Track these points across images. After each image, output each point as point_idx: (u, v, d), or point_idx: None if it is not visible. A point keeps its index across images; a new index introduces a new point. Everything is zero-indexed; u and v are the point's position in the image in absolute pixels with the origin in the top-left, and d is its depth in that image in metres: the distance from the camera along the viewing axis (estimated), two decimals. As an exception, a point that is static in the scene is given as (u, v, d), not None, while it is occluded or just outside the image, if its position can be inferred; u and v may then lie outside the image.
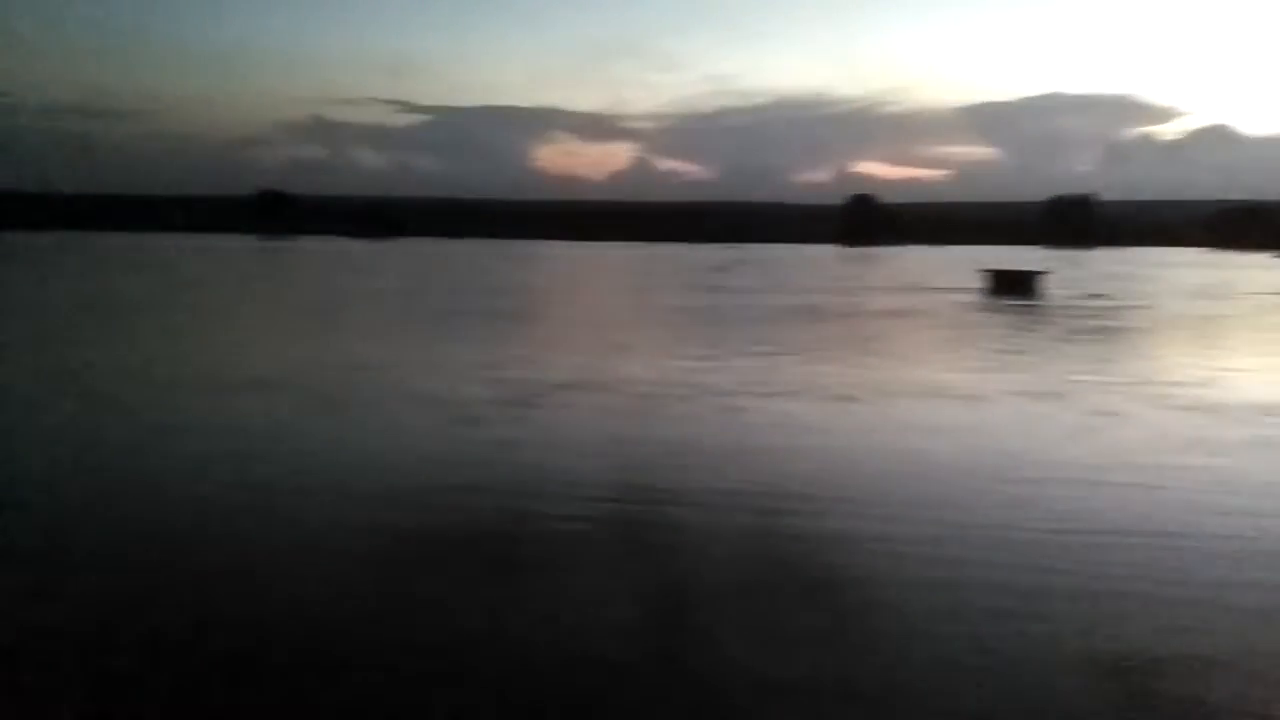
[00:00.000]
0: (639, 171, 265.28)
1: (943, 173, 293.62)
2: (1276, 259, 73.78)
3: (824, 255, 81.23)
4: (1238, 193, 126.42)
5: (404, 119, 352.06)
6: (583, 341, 23.69)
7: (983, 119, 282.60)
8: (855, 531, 9.09)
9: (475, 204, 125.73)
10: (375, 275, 50.46)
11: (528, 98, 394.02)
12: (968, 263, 56.89)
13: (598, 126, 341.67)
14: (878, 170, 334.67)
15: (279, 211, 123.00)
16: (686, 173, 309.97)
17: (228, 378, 17.24)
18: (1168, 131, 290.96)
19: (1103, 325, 28.35)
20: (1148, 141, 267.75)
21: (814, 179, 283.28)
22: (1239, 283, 48.84)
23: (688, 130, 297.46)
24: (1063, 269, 55.28)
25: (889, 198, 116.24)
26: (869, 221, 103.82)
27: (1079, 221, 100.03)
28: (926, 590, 7.69)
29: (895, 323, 29.25)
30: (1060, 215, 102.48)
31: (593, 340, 23.79)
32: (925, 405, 15.40)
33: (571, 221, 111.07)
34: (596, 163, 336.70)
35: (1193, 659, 6.55)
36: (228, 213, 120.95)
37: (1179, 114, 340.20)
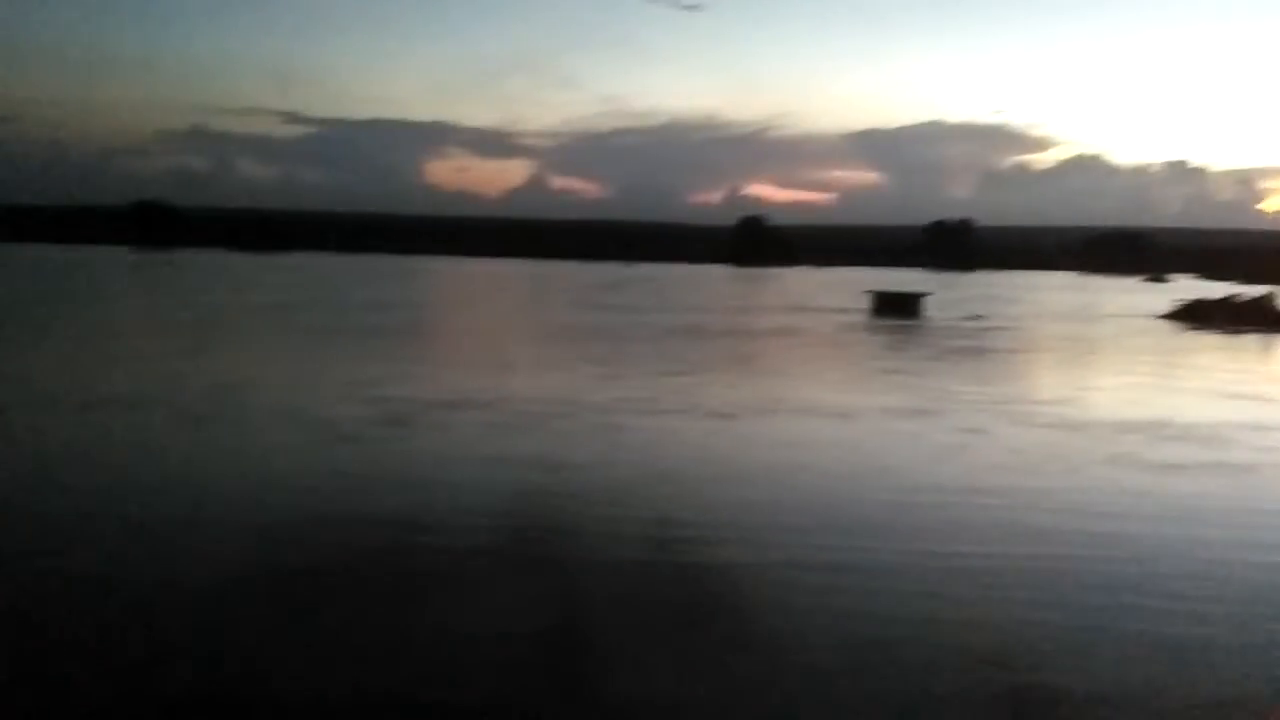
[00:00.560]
0: (534, 188, 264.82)
1: (830, 196, 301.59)
2: (1143, 283, 77.74)
3: (715, 275, 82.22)
4: (1107, 219, 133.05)
5: (291, 130, 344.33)
6: (465, 359, 23.43)
7: (868, 145, 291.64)
8: (731, 556, 9.13)
9: (365, 218, 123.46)
10: (256, 290, 48.99)
11: (420, 111, 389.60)
12: (853, 284, 58.29)
13: (492, 142, 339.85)
14: (767, 192, 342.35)
15: (157, 223, 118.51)
16: (581, 191, 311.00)
17: (87, 395, 16.45)
18: (1041, 160, 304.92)
19: (977, 345, 29.36)
20: (1023, 169, 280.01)
21: (706, 200, 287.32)
22: (1106, 305, 51.22)
23: (582, 149, 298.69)
24: (943, 291, 57.03)
25: (778, 219, 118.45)
26: (759, 242, 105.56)
27: (958, 245, 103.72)
28: (804, 616, 7.77)
29: (778, 342, 29.75)
30: (941, 239, 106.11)
31: (475, 358, 23.57)
32: (801, 423, 15.67)
33: (465, 237, 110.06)
34: (491, 179, 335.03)
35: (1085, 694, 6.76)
36: (102, 223, 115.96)
37: (1052, 143, 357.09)
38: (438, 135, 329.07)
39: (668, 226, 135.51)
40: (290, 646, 6.85)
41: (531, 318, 38.21)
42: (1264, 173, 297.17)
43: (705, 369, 22.12)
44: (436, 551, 8.93)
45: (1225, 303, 40.51)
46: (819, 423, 15.76)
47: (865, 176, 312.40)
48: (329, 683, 6.33)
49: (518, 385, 18.73)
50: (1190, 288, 57.97)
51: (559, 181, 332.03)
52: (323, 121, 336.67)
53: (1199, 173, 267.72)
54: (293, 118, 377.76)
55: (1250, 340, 32.43)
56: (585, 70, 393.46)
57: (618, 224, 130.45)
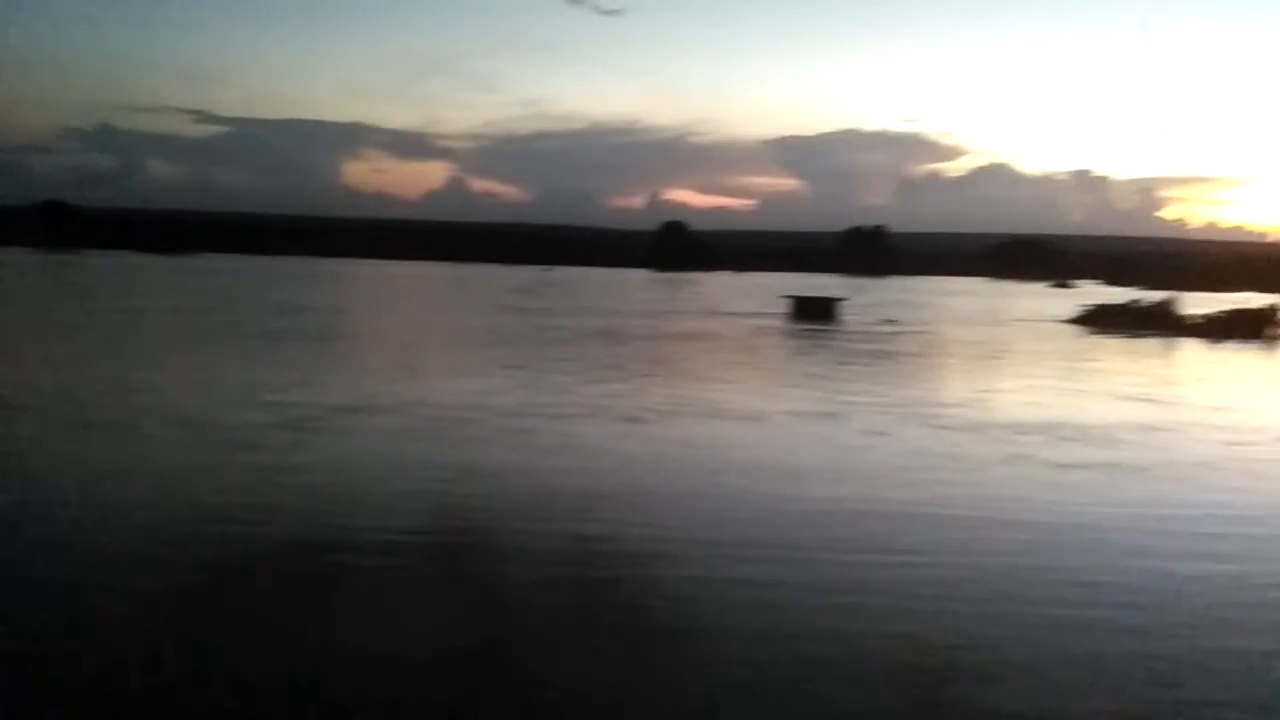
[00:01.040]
0: (453, 191, 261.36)
1: (749, 202, 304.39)
2: (1050, 288, 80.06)
3: (636, 279, 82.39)
4: (1015, 226, 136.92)
5: (201, 129, 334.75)
6: (373, 363, 23.00)
7: (786, 152, 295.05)
8: (646, 567, 9.06)
9: (279, 220, 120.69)
10: (162, 292, 47.53)
11: (336, 112, 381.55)
12: (772, 289, 58.89)
13: (411, 144, 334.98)
14: (688, 197, 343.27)
15: (62, 223, 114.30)
16: (502, 194, 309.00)
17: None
18: (953, 168, 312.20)
19: (888, 349, 29.87)
20: (935, 177, 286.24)
21: (627, 204, 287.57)
22: (1014, 310, 52.61)
23: (503, 151, 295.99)
24: (859, 296, 57.93)
25: (699, 225, 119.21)
26: (680, 247, 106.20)
27: (874, 251, 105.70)
28: (723, 628, 7.73)
29: (693, 346, 29.87)
30: (857, 245, 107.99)
31: (384, 361, 23.16)
32: (710, 426, 15.71)
33: (383, 240, 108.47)
34: (409, 181, 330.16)
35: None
36: (4, 224, 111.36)
37: (963, 152, 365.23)
38: (355, 136, 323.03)
39: (588, 230, 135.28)
40: (173, 675, 6.57)
41: (444, 321, 37.74)
42: (1163, 182, 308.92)
43: (617, 373, 22.06)
44: (337, 565, 8.66)
45: (1127, 307, 41.93)
46: (728, 426, 15.82)
47: (784, 183, 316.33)
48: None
49: (426, 390, 18.44)
50: (1094, 293, 59.78)
51: (479, 184, 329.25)
52: (235, 121, 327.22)
53: (1102, 182, 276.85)
54: (204, 116, 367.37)
55: (1151, 344, 33.59)
56: (505, 73, 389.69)
57: (538, 227, 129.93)
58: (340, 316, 38.72)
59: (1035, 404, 19.00)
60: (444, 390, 18.49)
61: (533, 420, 15.60)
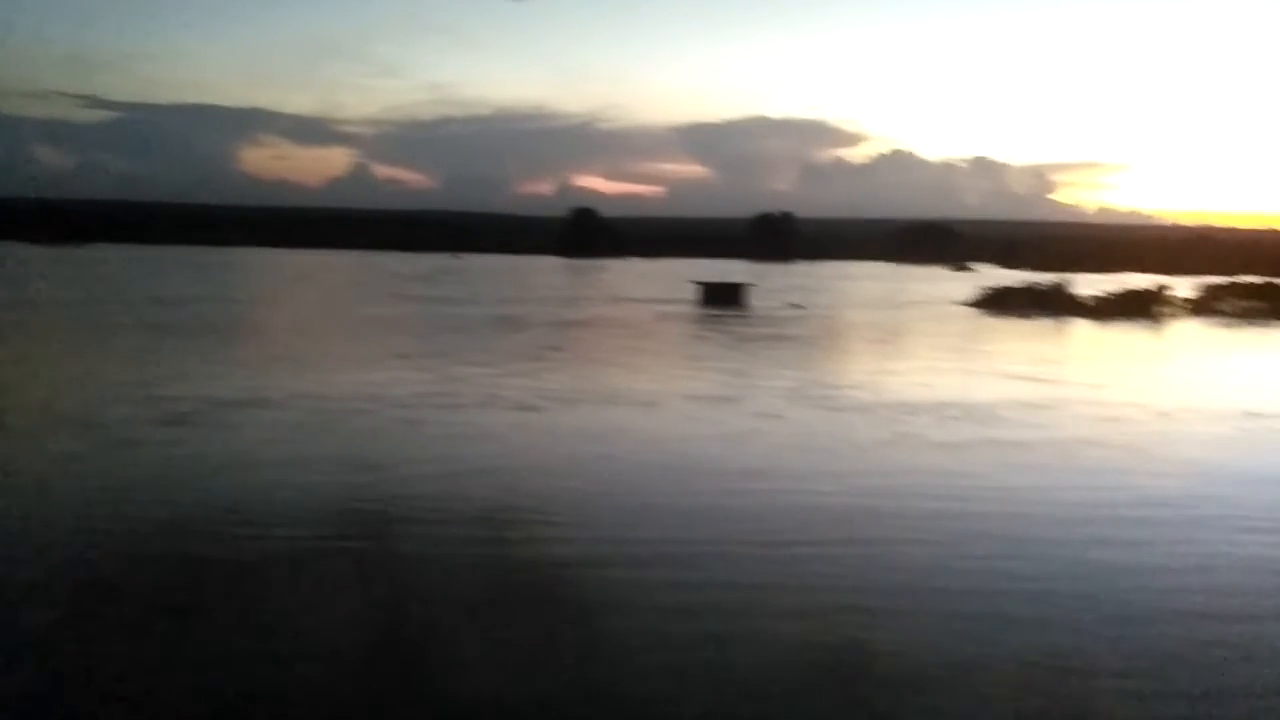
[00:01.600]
0: (356, 178, 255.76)
1: (658, 189, 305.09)
2: (950, 271, 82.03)
3: (545, 266, 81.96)
4: (917, 211, 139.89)
5: (91, 115, 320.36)
6: (263, 355, 22.30)
7: (695, 139, 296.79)
8: (543, 555, 8.95)
9: (173, 208, 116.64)
10: (48, 285, 45.51)
11: (233, 97, 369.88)
12: (681, 275, 59.09)
13: (311, 130, 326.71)
14: (597, 184, 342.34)
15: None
16: (407, 180, 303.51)
17: None
18: (856, 154, 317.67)
19: (791, 333, 30.20)
20: (839, 163, 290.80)
21: (536, 191, 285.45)
22: (915, 293, 53.77)
23: (407, 138, 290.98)
24: (766, 281, 58.50)
25: (608, 211, 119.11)
26: (590, 234, 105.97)
27: (781, 237, 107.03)
28: (626, 613, 7.65)
29: (599, 332, 29.79)
30: (765, 231, 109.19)
31: (274, 353, 22.49)
32: (606, 413, 15.66)
33: (283, 228, 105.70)
34: (310, 168, 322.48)
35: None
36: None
37: (865, 138, 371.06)
38: (253, 121, 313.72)
39: (497, 217, 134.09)
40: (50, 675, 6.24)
41: (340, 310, 36.85)
42: (1055, 167, 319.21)
43: (517, 361, 21.82)
44: (219, 564, 8.35)
45: (1023, 290, 43.19)
46: (624, 412, 15.78)
47: (693, 169, 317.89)
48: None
49: (316, 382, 17.97)
50: (992, 276, 61.38)
51: (383, 171, 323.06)
52: (126, 106, 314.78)
53: (998, 167, 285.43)
54: (94, 102, 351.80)
55: (1045, 324, 34.63)
56: (408, 58, 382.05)
57: (446, 214, 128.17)
58: (232, 307, 37.53)
59: (925, 385, 19.39)
60: (335, 382, 18.04)
61: (425, 410, 15.33)
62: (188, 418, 14.25)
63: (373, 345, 24.98)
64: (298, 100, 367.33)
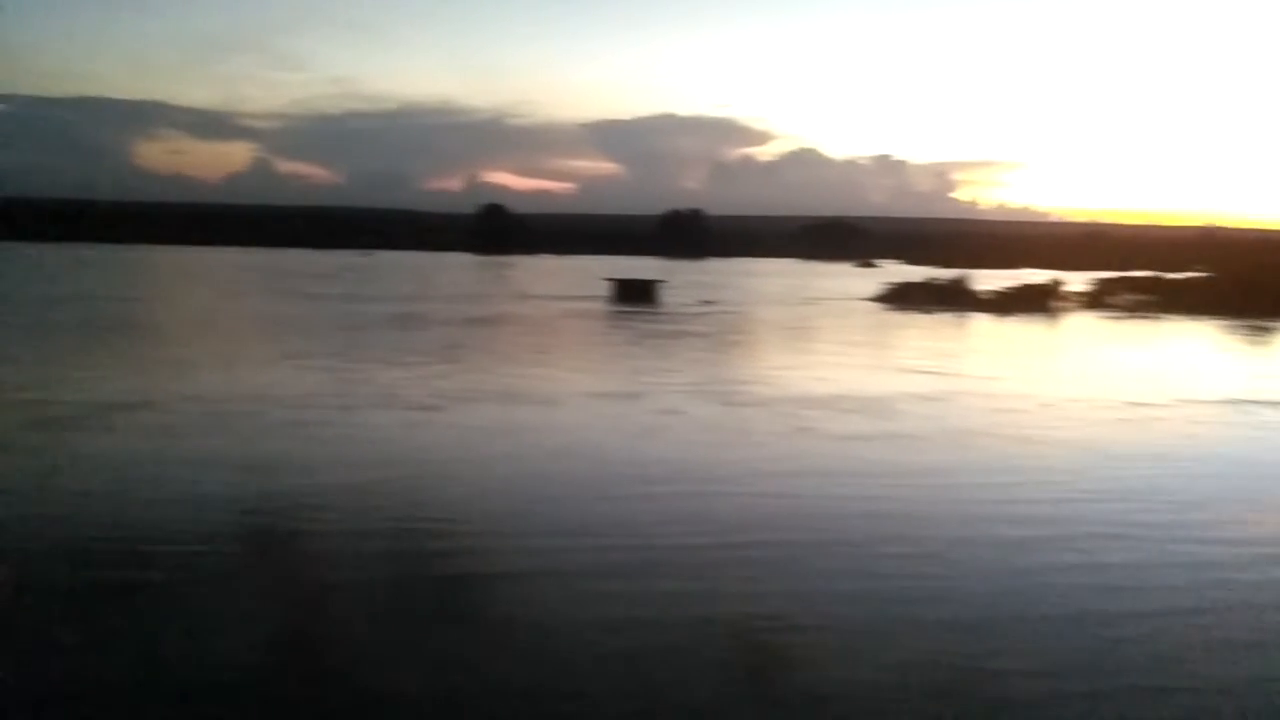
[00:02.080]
0: (259, 173, 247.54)
1: (569, 185, 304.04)
2: (856, 268, 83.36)
3: (456, 262, 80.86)
4: (823, 208, 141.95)
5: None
6: (150, 356, 21.46)
7: (605, 135, 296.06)
8: (433, 562, 8.73)
9: (65, 204, 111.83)
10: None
11: (128, 89, 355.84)
12: (593, 272, 58.86)
13: (211, 124, 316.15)
14: (507, 180, 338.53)
15: None
16: (311, 176, 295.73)
17: None
18: (764, 152, 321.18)
19: (700, 329, 30.27)
20: (748, 161, 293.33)
21: (445, 186, 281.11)
22: (821, 289, 54.45)
23: (312, 132, 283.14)
24: (678, 277, 58.62)
25: (519, 207, 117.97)
26: (501, 230, 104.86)
27: (692, 234, 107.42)
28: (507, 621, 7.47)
29: (507, 330, 29.44)
30: (676, 228, 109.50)
31: (162, 354, 21.66)
32: (506, 411, 15.45)
33: (181, 224, 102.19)
34: (210, 162, 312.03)
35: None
36: None
37: (773, 136, 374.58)
38: (150, 115, 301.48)
39: (407, 213, 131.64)
40: None
41: (235, 309, 35.64)
42: (955, 166, 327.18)
43: (416, 359, 21.41)
44: (72, 584, 7.94)
45: (925, 285, 44.10)
46: (525, 410, 15.59)
47: (603, 166, 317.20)
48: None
49: (205, 384, 17.36)
50: (896, 272, 62.66)
51: (286, 166, 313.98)
52: (14, 99, 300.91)
53: (901, 165, 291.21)
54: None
55: (945, 318, 35.39)
56: (312, 50, 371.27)
57: (353, 210, 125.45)
58: (122, 306, 36.07)
59: (824, 379, 19.62)
60: (223, 384, 17.43)
61: (317, 411, 14.92)
62: (64, 422, 13.62)
63: (266, 345, 24.26)
64: (197, 93, 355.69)
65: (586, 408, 16.00)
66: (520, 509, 10.11)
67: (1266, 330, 32.15)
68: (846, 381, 19.34)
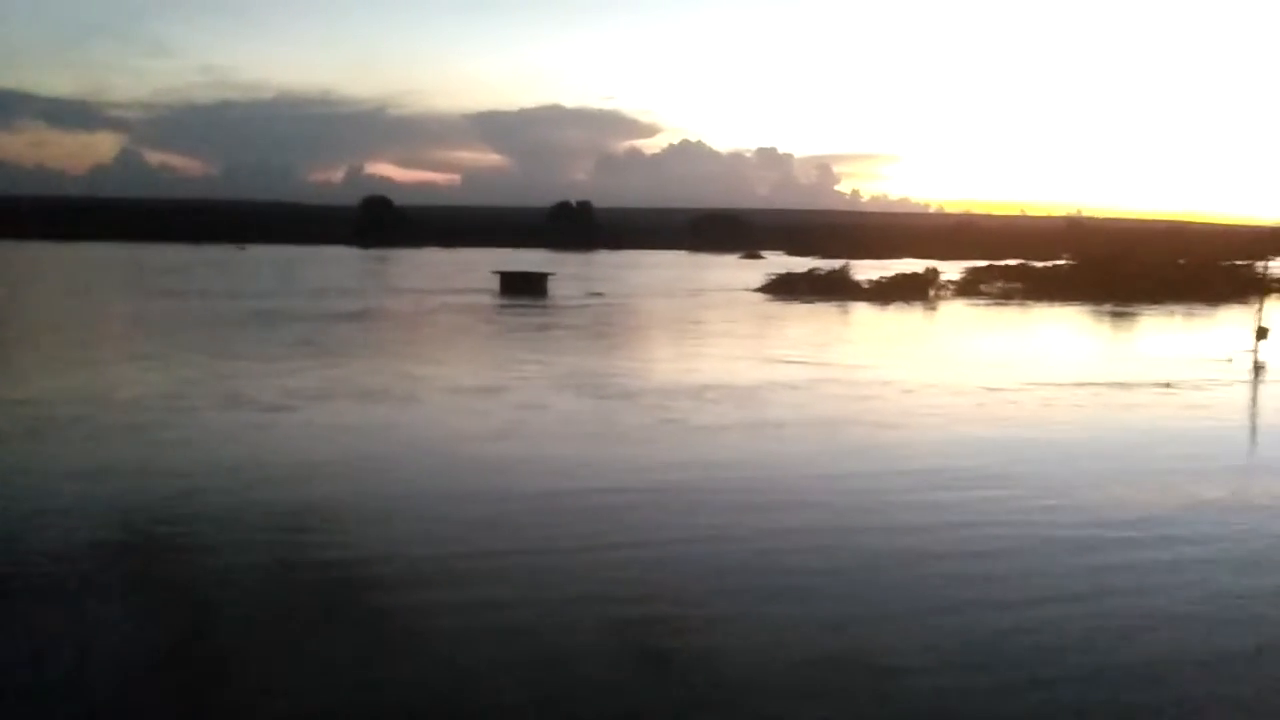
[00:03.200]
0: (126, 165, 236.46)
1: (453, 177, 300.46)
2: (741, 259, 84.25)
3: (338, 256, 78.78)
4: (710, 201, 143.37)
5: None
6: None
7: (490, 126, 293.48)
8: (290, 569, 8.15)
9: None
10: None
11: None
12: (480, 264, 57.97)
13: (73, 113, 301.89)
14: (390, 172, 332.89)
15: None
16: (183, 167, 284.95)
17: None
18: (651, 145, 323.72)
19: (578, 321, 29.94)
20: (635, 153, 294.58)
21: (326, 178, 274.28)
22: (707, 280, 54.72)
23: (183, 122, 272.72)
24: (567, 270, 58.19)
25: (402, 199, 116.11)
26: (384, 223, 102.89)
27: (581, 226, 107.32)
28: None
29: (375, 325, 28.60)
30: (564, 220, 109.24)
31: None
32: (362, 409, 14.86)
33: (44, 218, 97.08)
34: (73, 154, 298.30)
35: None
36: None
37: (659, 129, 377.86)
38: (9, 105, 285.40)
39: (285, 206, 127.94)
40: None
41: (86, 307, 33.59)
42: (837, 159, 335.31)
43: (272, 357, 20.50)
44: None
45: (808, 275, 44.70)
46: (380, 408, 15.02)
47: (489, 158, 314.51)
48: None
49: (33, 386, 16.27)
50: (780, 263, 63.34)
51: (155, 157, 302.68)
52: None
53: (786, 158, 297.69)
54: None
55: (827, 308, 35.83)
56: (181, 36, 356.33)
57: (228, 203, 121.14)
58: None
59: (697, 370, 19.49)
60: (55, 385, 16.33)
61: (155, 414, 14.05)
62: None
63: (111, 345, 22.93)
64: (58, 81, 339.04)
65: (447, 404, 15.51)
66: (367, 514, 9.59)
67: (1125, 315, 33.49)
68: (718, 372, 19.25)
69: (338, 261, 70.05)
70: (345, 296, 37.84)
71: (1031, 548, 8.75)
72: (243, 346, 22.26)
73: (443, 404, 15.48)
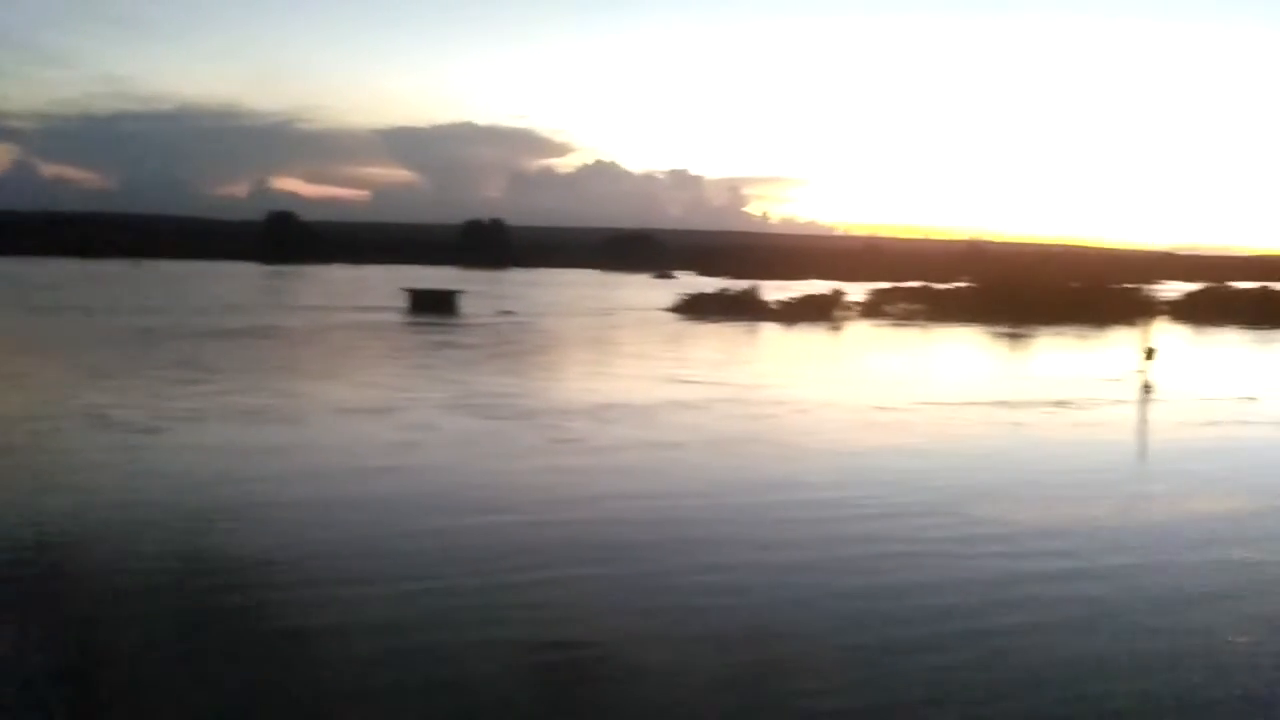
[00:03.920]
0: (19, 176, 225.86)
1: (363, 193, 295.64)
2: (653, 279, 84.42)
3: (239, 272, 76.58)
4: (622, 221, 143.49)
5: None
6: None
7: (399, 143, 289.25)
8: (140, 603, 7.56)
9: None
10: None
11: None
12: (389, 282, 56.87)
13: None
14: (297, 188, 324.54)
15: None
16: (79, 180, 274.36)
17: None
18: (564, 164, 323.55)
19: (488, 340, 29.38)
20: (548, 172, 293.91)
21: (229, 193, 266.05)
22: (619, 300, 54.53)
23: (80, 133, 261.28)
24: (479, 288, 57.37)
25: (310, 215, 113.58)
26: (290, 239, 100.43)
27: (493, 244, 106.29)
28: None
29: (269, 343, 27.63)
30: (476, 238, 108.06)
31: None
32: (241, 431, 14.19)
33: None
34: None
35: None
36: None
37: (573, 149, 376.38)
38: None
39: (188, 220, 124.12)
40: None
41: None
42: (747, 181, 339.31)
43: (152, 377, 19.50)
44: None
45: (718, 296, 44.82)
46: (260, 430, 14.36)
47: (399, 174, 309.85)
48: None
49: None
50: (691, 283, 63.62)
51: (51, 169, 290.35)
52: None
53: (697, 180, 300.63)
54: None
55: (736, 327, 35.90)
56: (78, 47, 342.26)
57: (126, 217, 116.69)
58: None
59: (596, 390, 19.21)
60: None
61: (15, 436, 13.20)
62: None
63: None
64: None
65: (332, 425, 14.93)
66: (242, 548, 9.05)
67: (1020, 336, 34.29)
68: (617, 391, 19.01)
69: (238, 277, 68.06)
70: (238, 313, 36.46)
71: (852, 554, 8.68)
72: (116, 365, 21.19)
73: (325, 425, 14.90)
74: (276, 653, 6.65)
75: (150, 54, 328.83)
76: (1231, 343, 34.99)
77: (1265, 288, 53.02)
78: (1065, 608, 7.76)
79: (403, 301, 42.12)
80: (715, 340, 32.11)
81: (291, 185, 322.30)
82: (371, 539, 9.19)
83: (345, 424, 15.02)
